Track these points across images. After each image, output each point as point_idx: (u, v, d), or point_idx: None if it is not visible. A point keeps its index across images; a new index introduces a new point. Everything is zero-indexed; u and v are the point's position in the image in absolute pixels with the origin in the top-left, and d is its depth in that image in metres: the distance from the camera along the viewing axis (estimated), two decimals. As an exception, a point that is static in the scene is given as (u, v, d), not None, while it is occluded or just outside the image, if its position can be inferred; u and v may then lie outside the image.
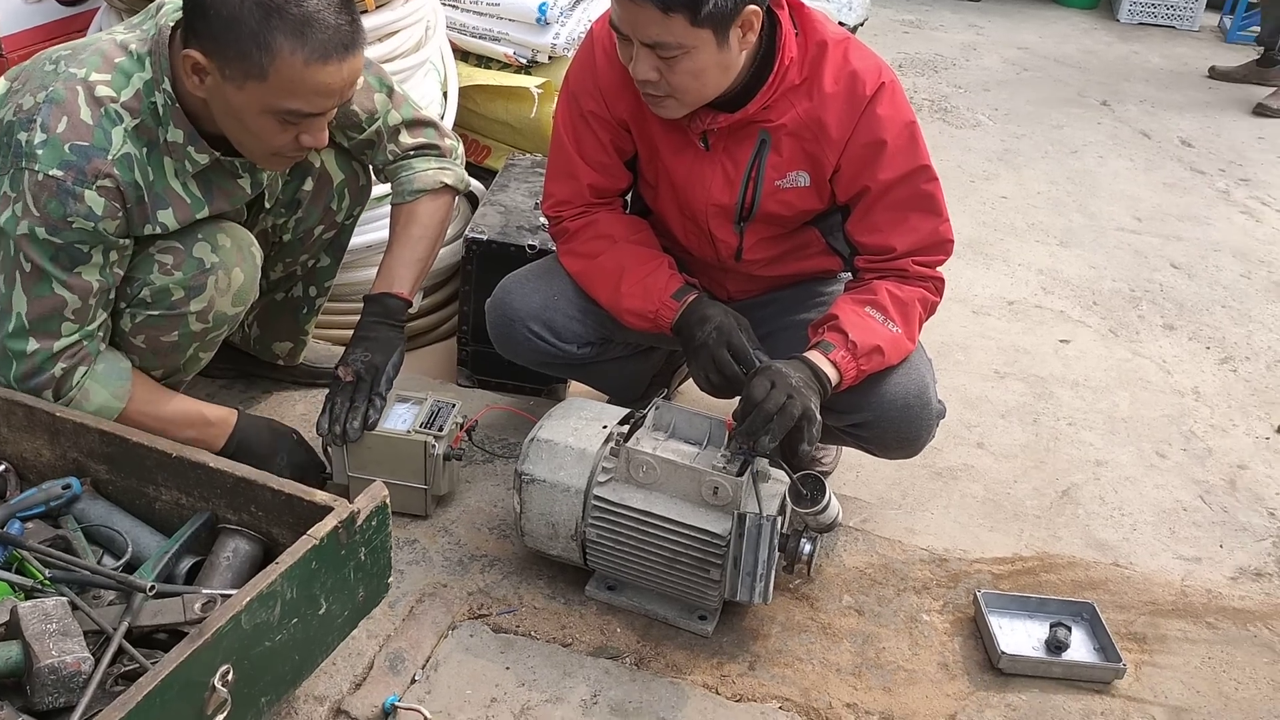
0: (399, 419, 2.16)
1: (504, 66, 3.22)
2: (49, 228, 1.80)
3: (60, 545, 1.75)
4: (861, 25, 5.29)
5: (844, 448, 2.50)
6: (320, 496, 1.69)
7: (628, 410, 2.10)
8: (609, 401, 2.62)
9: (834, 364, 1.99)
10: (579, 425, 2.04)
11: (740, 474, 1.90)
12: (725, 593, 1.90)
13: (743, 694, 1.90)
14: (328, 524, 1.62)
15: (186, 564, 1.76)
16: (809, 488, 1.92)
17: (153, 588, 1.60)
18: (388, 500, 1.73)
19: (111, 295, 1.94)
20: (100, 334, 1.94)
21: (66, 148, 1.79)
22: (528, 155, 3.11)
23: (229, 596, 1.58)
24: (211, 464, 1.76)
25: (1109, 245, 3.89)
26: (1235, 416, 2.95)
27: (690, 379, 2.43)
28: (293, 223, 2.30)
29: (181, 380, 2.15)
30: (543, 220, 2.52)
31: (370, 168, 2.33)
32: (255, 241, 2.11)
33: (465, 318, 2.73)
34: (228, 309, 2.06)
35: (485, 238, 2.65)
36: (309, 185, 2.26)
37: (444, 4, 3.16)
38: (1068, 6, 6.88)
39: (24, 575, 1.66)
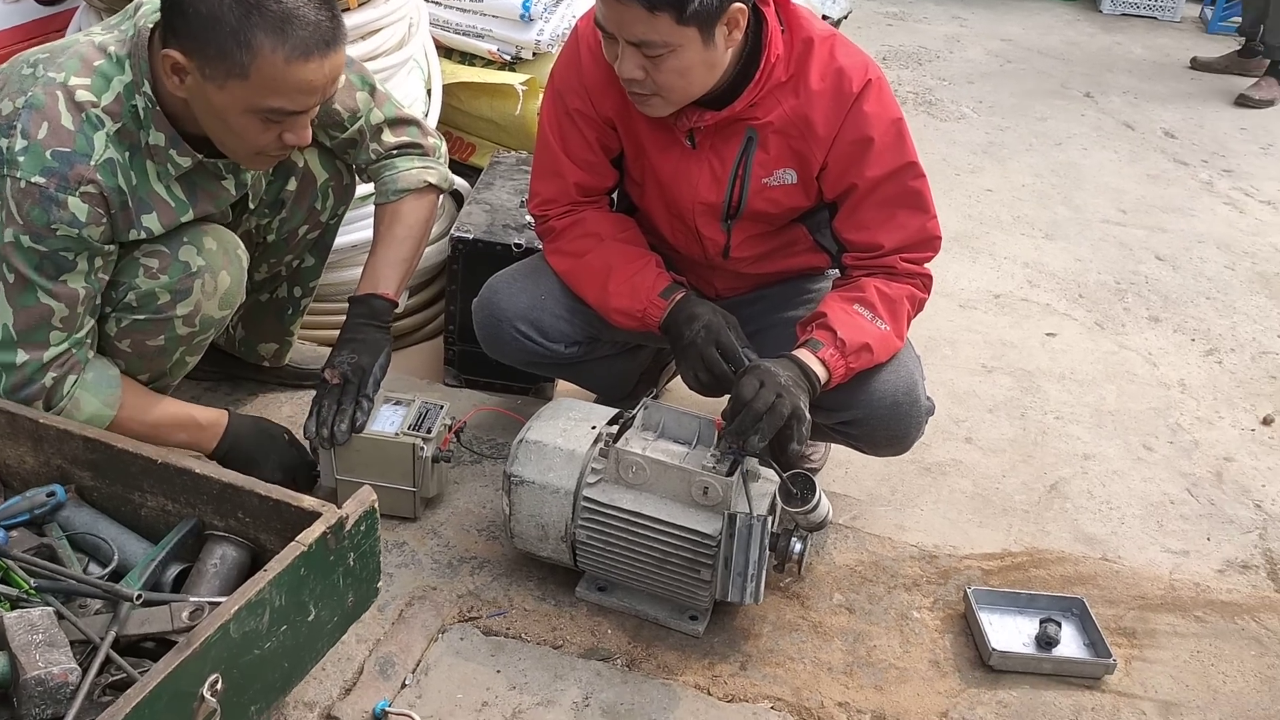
0: (387, 421, 2.14)
1: (488, 63, 3.21)
2: (33, 235, 1.78)
3: (45, 554, 1.73)
4: (845, 18, 5.29)
5: (833, 444, 2.50)
6: (308, 502, 1.68)
7: (616, 410, 2.09)
8: (597, 400, 2.62)
9: (823, 362, 1.99)
10: (567, 426, 2.03)
11: (730, 474, 1.89)
12: (716, 593, 1.89)
13: (735, 694, 1.90)
14: (316, 530, 1.61)
15: (173, 571, 1.74)
16: (799, 487, 1.92)
17: (139, 596, 1.59)
18: (376, 505, 1.71)
19: (98, 302, 1.93)
20: (89, 341, 1.92)
21: (48, 154, 1.77)
22: (513, 152, 3.09)
23: (217, 604, 1.56)
24: (197, 470, 1.75)
25: (1094, 238, 3.89)
26: (1221, 409, 2.96)
27: (678, 377, 2.42)
28: (277, 223, 2.28)
29: (168, 384, 2.14)
30: (529, 218, 2.51)
31: (353, 167, 2.32)
32: (241, 244, 2.09)
33: (452, 317, 2.72)
34: (214, 313, 2.04)
35: (471, 236, 2.63)
36: (293, 185, 2.24)
37: (427, 1, 3.14)
38: (1050, -3, 6.89)
39: (9, 585, 1.64)
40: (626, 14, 1.85)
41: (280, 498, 1.69)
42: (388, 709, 1.80)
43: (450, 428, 2.20)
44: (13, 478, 1.90)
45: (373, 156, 2.24)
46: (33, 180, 1.76)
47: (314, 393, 2.15)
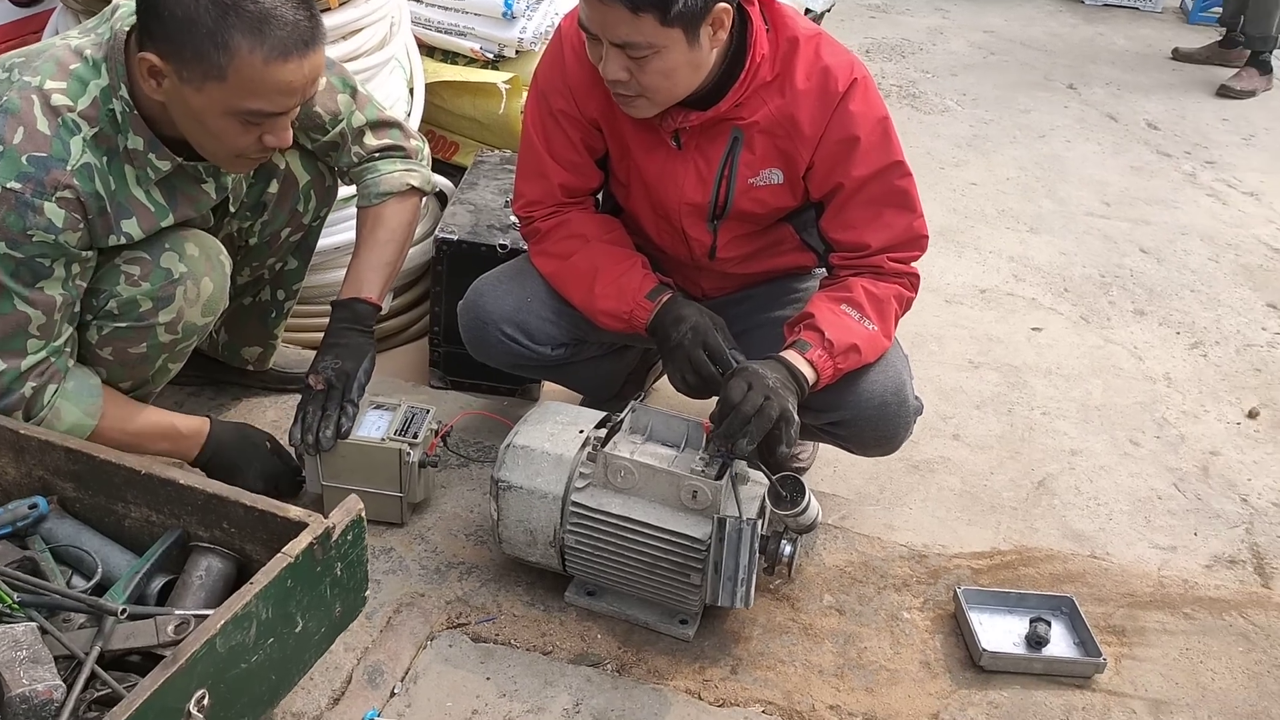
0: (373, 426, 2.13)
1: (470, 62, 3.18)
2: (8, 242, 1.75)
3: (28, 567, 1.71)
4: (829, 11, 5.29)
5: (821, 444, 2.49)
6: (294, 512, 1.66)
7: (604, 414, 2.08)
8: (583, 401, 2.61)
9: (811, 363, 1.98)
10: (555, 430, 2.02)
11: (719, 477, 1.89)
12: (706, 597, 1.88)
13: (725, 699, 1.89)
14: (302, 541, 1.60)
15: (158, 583, 1.72)
16: (788, 489, 1.91)
17: (124, 611, 1.57)
18: (363, 514, 1.70)
19: (76, 309, 1.90)
20: (68, 350, 1.90)
21: (24, 159, 1.74)
22: (496, 151, 3.07)
23: (202, 617, 1.55)
24: (181, 481, 1.73)
25: (1078, 231, 3.90)
26: (1206, 402, 2.97)
27: (665, 377, 2.41)
28: (259, 226, 2.26)
29: (150, 392, 2.11)
30: (513, 219, 2.49)
31: (335, 169, 2.30)
32: (224, 249, 2.07)
33: (437, 319, 2.70)
34: (197, 319, 2.02)
35: (455, 238, 2.62)
36: (274, 188, 2.22)
37: (408, -1, 3.11)
38: (1032, -12, 6.89)
39: (-9, 600, 1.63)
40: (610, 15, 1.84)
41: (266, 508, 1.68)
42: (377, 718, 1.79)
43: (437, 432, 2.18)
44: (-6, 489, 1.88)
45: (354, 159, 2.22)
46: (8, 186, 1.73)
47: (298, 396, 2.13)
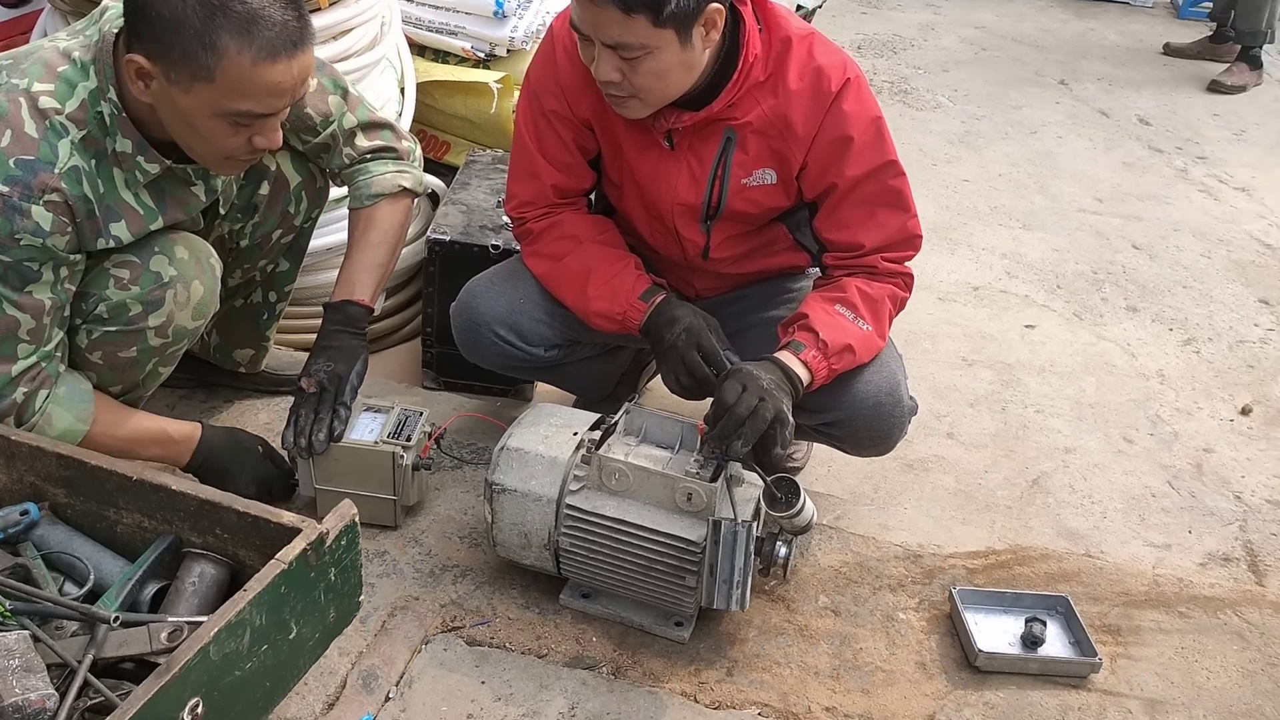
0: (366, 429, 2.12)
1: (461, 61, 3.17)
2: None
3: (20, 574, 1.69)
4: (820, 7, 5.27)
5: (815, 443, 2.49)
6: (287, 518, 1.65)
7: (598, 415, 2.07)
8: (577, 401, 2.60)
9: (805, 364, 1.98)
10: (549, 432, 2.01)
11: (714, 479, 1.88)
12: (702, 600, 1.88)
13: (721, 701, 1.89)
14: (296, 547, 1.59)
15: (151, 590, 1.71)
16: (783, 491, 1.91)
17: (117, 618, 1.56)
18: (357, 519, 1.69)
19: (66, 313, 1.89)
20: (58, 354, 1.88)
21: (11, 162, 1.73)
22: (488, 151, 3.06)
23: (196, 624, 1.54)
24: (174, 487, 1.71)
25: (1071, 227, 3.90)
26: (1200, 399, 2.97)
27: (659, 377, 2.41)
28: (250, 228, 2.25)
29: (141, 396, 2.10)
30: (506, 219, 2.48)
31: (327, 171, 2.28)
32: (214, 252, 2.06)
33: (429, 319, 2.69)
34: (188, 323, 2.01)
35: (448, 238, 2.61)
36: (265, 189, 2.21)
37: (399, -2, 3.10)
38: (1023, -17, 6.89)
39: (-17, 607, 1.62)
40: (603, 16, 1.83)
41: (260, 514, 1.66)
42: (372, 724, 1.78)
43: (430, 435, 2.18)
44: (-15, 496, 1.87)
45: (346, 161, 2.21)
46: None
47: (291, 399, 2.13)
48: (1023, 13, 6.33)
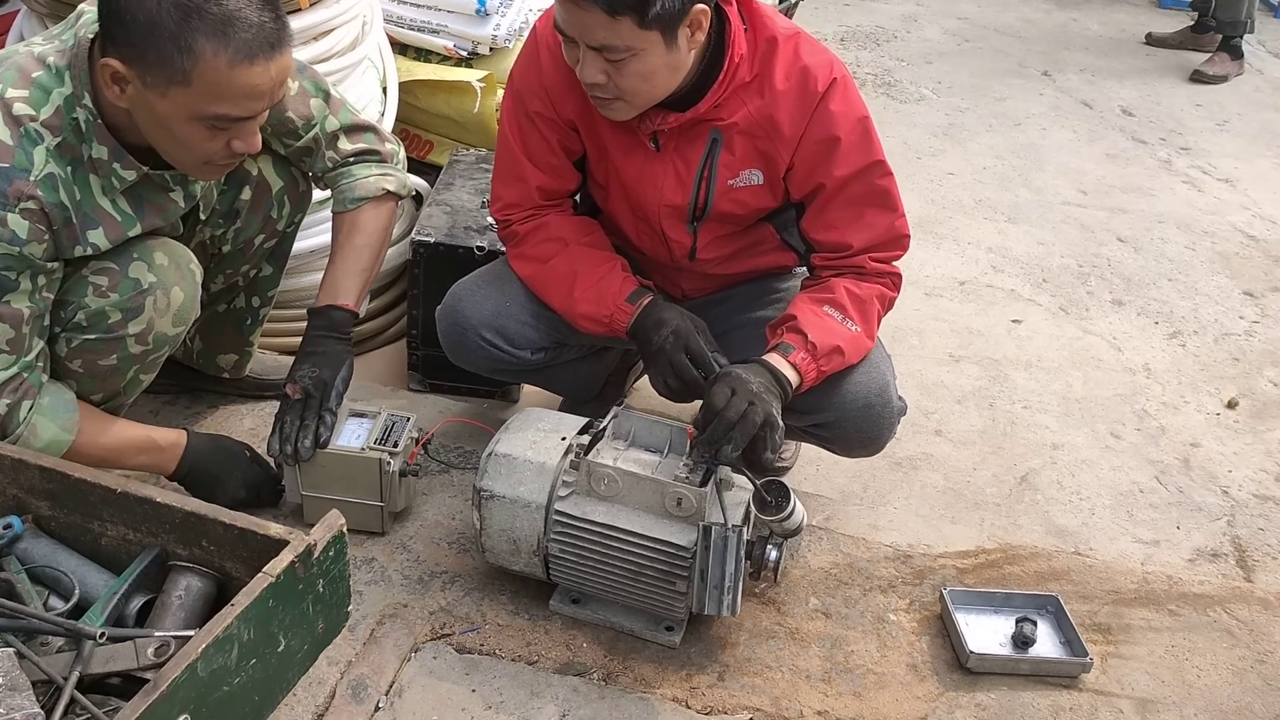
0: (352, 435, 2.10)
1: (444, 59, 3.15)
2: None
3: (3, 589, 1.68)
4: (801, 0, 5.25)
5: (804, 443, 2.48)
6: (274, 530, 1.64)
7: (586, 420, 2.06)
8: (563, 402, 2.59)
9: (794, 366, 1.97)
10: (537, 438, 2.00)
11: (703, 484, 1.87)
12: (693, 606, 1.87)
13: (713, 706, 1.88)
14: (284, 559, 1.57)
15: (137, 603, 1.69)
16: (773, 494, 1.90)
17: (103, 634, 1.55)
18: (345, 529, 1.68)
19: (46, 322, 1.87)
20: (40, 364, 1.86)
21: None
22: (471, 150, 3.04)
23: (183, 638, 1.53)
24: (158, 499, 1.70)
25: (1056, 220, 3.90)
26: (1186, 393, 2.98)
27: (646, 377, 2.40)
28: (232, 233, 2.22)
29: (122, 404, 2.08)
30: (490, 220, 2.47)
31: (309, 174, 2.26)
32: (194, 258, 2.03)
33: (415, 321, 2.68)
34: (168, 330, 1.99)
35: (432, 240, 2.59)
36: (247, 194, 2.18)
37: (380, -4, 3.07)
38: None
39: (-35, 624, 1.60)
40: (587, 18, 1.81)
41: (246, 526, 1.65)
42: (362, 734, 1.77)
43: (418, 441, 2.16)
44: (-34, 509, 1.84)
45: (329, 164, 2.19)
46: None
47: (276, 403, 2.11)
48: (1005, 3, 6.34)
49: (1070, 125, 4.73)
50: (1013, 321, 3.26)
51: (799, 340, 1.98)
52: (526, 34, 3.10)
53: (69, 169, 1.79)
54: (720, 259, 2.24)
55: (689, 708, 1.87)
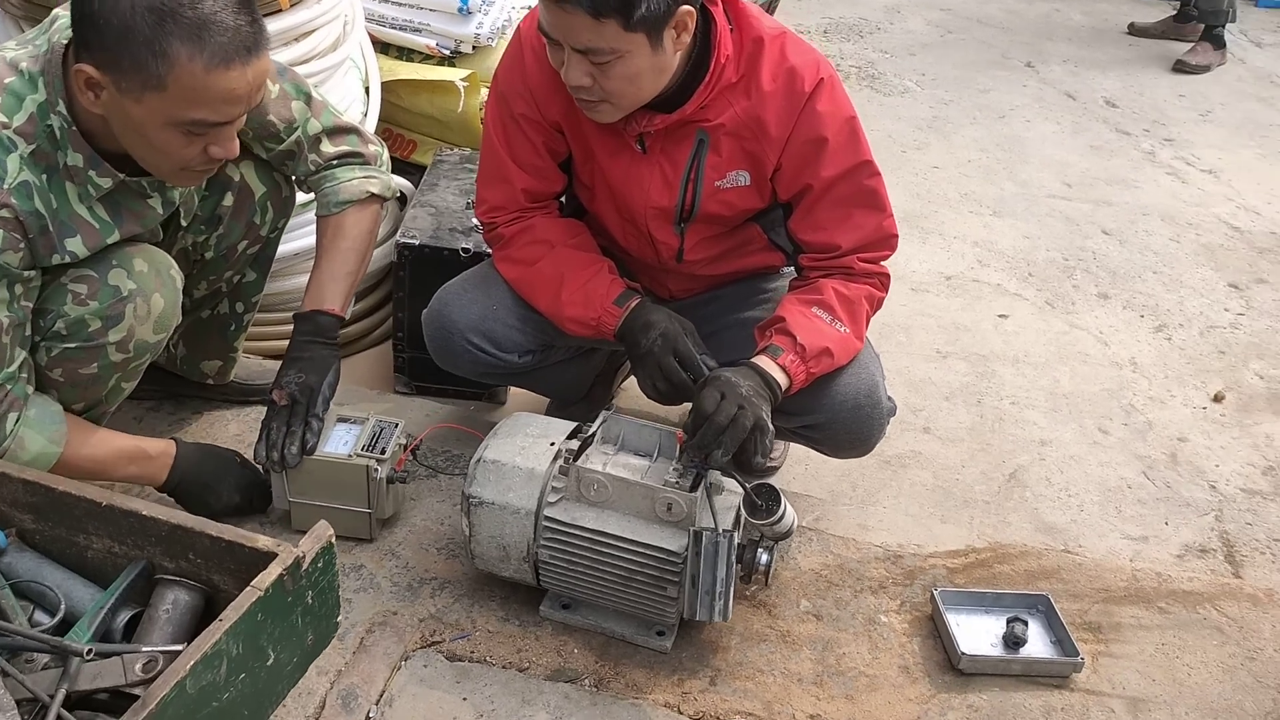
0: (340, 441, 2.09)
1: (426, 58, 3.12)
2: None
3: (-13, 605, 1.66)
4: (786, -8, 5.23)
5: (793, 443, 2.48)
6: (262, 542, 1.62)
7: (575, 424, 2.04)
8: (551, 404, 2.58)
9: (783, 368, 1.96)
10: (525, 443, 1.99)
11: (693, 489, 1.87)
12: (685, 612, 1.86)
13: (705, 711, 1.87)
14: (272, 573, 1.56)
15: (124, 617, 1.68)
16: (764, 498, 1.90)
17: (90, 651, 1.53)
18: (333, 540, 1.66)
19: (27, 332, 1.85)
20: (24, 375, 1.84)
21: None
22: (455, 150, 3.02)
23: (171, 653, 1.52)
24: (144, 512, 1.68)
25: (1041, 213, 3.90)
26: (1173, 387, 2.98)
27: (633, 377, 2.39)
28: (214, 239, 2.20)
29: (104, 412, 2.06)
30: (476, 221, 2.45)
31: (292, 178, 2.24)
32: (174, 264, 2.01)
33: (400, 324, 2.66)
34: (149, 337, 1.97)
35: (417, 242, 2.57)
36: (229, 200, 2.16)
37: (361, -5, 3.04)
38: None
39: (-50, 642, 1.58)
40: (572, 21, 1.80)
41: (233, 539, 1.64)
42: (353, 746, 1.76)
43: (406, 447, 2.15)
44: (-52, 524, 1.82)
45: (312, 168, 2.17)
46: None
47: (261, 409, 2.10)
48: (988, -7, 6.32)
49: (1054, 117, 4.73)
50: (999, 316, 3.26)
51: (788, 342, 1.97)
52: (509, 32, 3.11)
53: (44, 176, 1.77)
54: (707, 260, 2.23)
55: (681, 713, 1.87)
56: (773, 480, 2.27)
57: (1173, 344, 3.18)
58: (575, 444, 1.97)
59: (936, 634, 2.04)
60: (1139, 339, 3.19)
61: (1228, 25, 5.41)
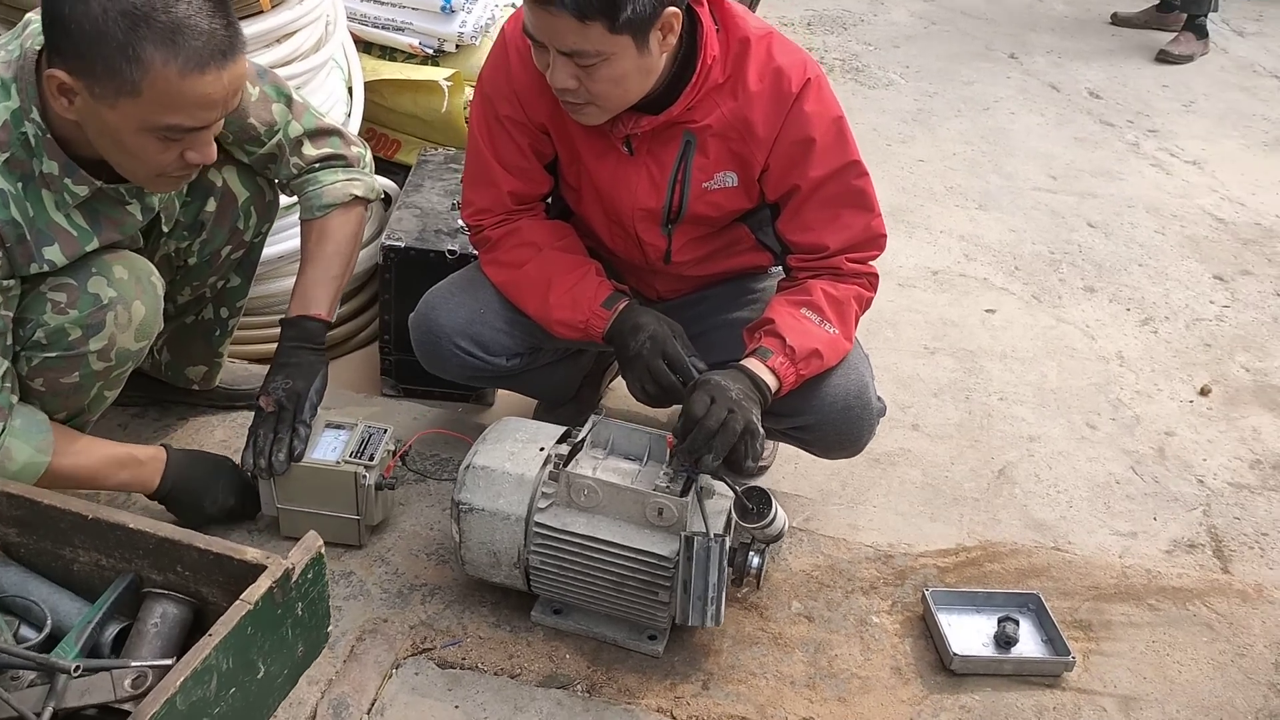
0: (328, 448, 2.07)
1: (409, 57, 3.10)
2: None
3: (-28, 621, 1.65)
4: (769, -15, 5.21)
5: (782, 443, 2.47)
6: (251, 554, 1.61)
7: (564, 429, 2.03)
8: (539, 406, 2.57)
9: (772, 370, 1.95)
10: (515, 449, 1.98)
11: (684, 493, 1.86)
12: (676, 617, 1.86)
13: (698, 715, 1.87)
14: (261, 585, 1.55)
15: (112, 631, 1.66)
16: (755, 502, 1.90)
17: (78, 668, 1.52)
18: (323, 551, 1.65)
19: (9, 341, 1.82)
20: (8, 385, 1.81)
21: None
22: (440, 149, 3.00)
23: (160, 668, 1.51)
24: (131, 525, 1.66)
25: (1026, 206, 3.90)
26: (1159, 380, 2.99)
27: (621, 378, 2.38)
28: (197, 245, 2.18)
29: (87, 421, 2.03)
30: (461, 223, 2.44)
31: (275, 182, 2.22)
32: (155, 270, 1.98)
33: (386, 327, 2.64)
34: (130, 345, 1.94)
35: (403, 245, 2.55)
36: (212, 206, 2.14)
37: (343, -6, 3.02)
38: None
39: (-65, 659, 1.56)
40: (557, 24, 1.78)
41: (222, 551, 1.62)
42: (345, 756, 1.75)
43: (394, 453, 2.13)
44: (-68, 538, 1.80)
45: (294, 171, 2.15)
46: None
47: (248, 414, 2.08)
48: (971, -17, 6.32)
49: (1038, 109, 4.73)
50: (986, 311, 3.26)
51: (777, 344, 1.97)
52: (493, 30, 3.09)
53: (20, 185, 1.75)
54: (695, 261, 2.22)
55: (674, 718, 1.86)
56: (762, 480, 2.27)
57: (1159, 337, 3.19)
58: (565, 449, 1.96)
59: (928, 634, 2.04)
60: (1125, 332, 3.20)
61: (1210, 15, 5.42)
